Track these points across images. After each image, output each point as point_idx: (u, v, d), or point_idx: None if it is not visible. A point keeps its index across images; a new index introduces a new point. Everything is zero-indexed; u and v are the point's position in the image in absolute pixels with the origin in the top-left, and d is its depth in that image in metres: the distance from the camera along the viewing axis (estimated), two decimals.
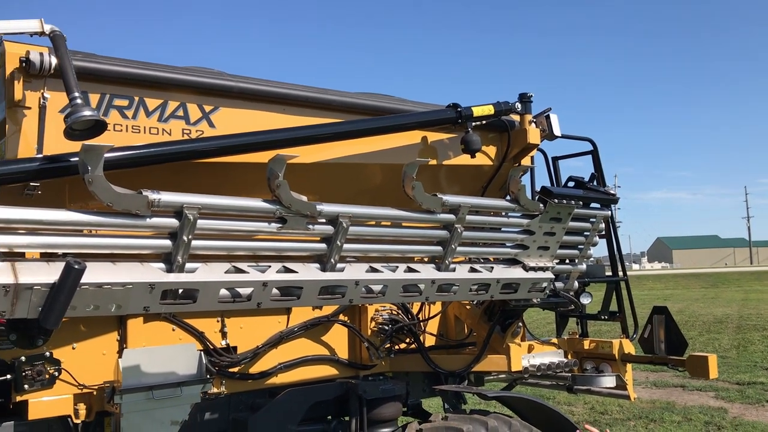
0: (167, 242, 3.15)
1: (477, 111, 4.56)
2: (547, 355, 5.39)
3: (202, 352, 4.08)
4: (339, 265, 3.75)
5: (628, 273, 6.08)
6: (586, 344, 5.80)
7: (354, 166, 4.50)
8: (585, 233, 4.89)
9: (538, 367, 5.18)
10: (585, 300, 5.42)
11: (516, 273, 4.46)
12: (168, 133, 3.74)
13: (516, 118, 5.03)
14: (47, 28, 3.16)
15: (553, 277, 4.70)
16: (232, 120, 3.98)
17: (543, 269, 4.59)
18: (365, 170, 4.64)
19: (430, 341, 5.43)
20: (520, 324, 5.18)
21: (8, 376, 3.60)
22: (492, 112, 4.65)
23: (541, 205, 4.46)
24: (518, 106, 4.84)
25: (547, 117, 5.12)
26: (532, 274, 4.52)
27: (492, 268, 4.38)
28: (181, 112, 3.80)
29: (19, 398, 3.63)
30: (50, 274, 2.80)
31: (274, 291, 3.54)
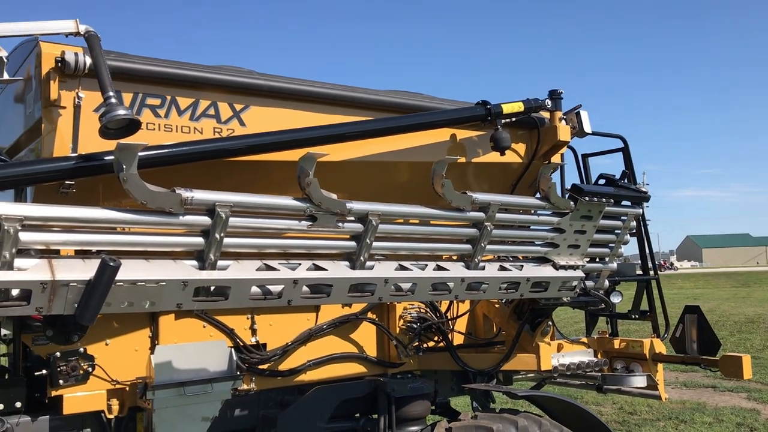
0: (200, 240, 3.18)
1: (507, 108, 4.53)
2: (577, 355, 5.34)
3: (232, 349, 4.11)
4: (368, 263, 3.75)
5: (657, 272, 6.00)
6: (617, 343, 5.73)
7: (381, 164, 4.50)
8: (616, 231, 4.84)
9: (567, 367, 5.14)
10: (615, 299, 5.36)
11: (546, 271, 4.42)
12: (199, 131, 3.78)
13: (546, 115, 5.00)
14: (82, 28, 3.20)
15: (584, 275, 4.65)
16: (262, 118, 4.00)
17: (573, 268, 4.54)
18: (392, 168, 4.63)
19: (458, 340, 5.41)
20: (550, 323, 5.13)
21: (44, 372, 3.66)
22: (522, 109, 4.62)
23: (572, 202, 4.42)
24: (548, 102, 4.80)
25: (578, 114, 5.08)
26: (562, 273, 4.48)
27: (522, 266, 4.35)
28: (212, 111, 3.83)
29: (54, 393, 3.69)
30: (86, 271, 2.85)
31: (305, 288, 3.55)
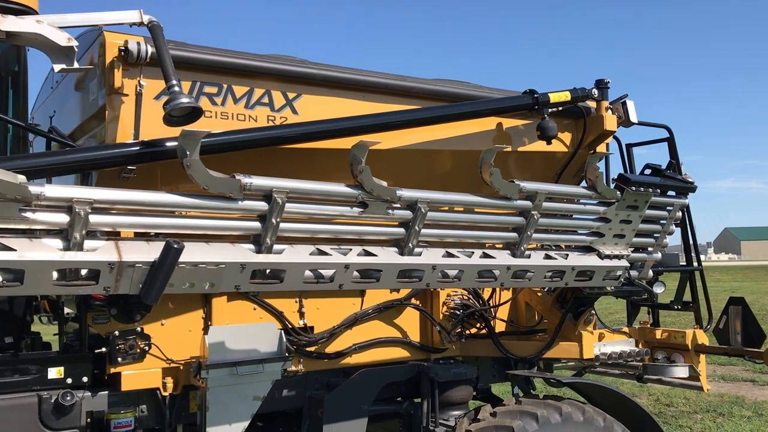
0: (257, 224, 3.28)
1: (554, 97, 4.55)
2: (619, 344, 5.36)
3: (282, 331, 4.23)
4: (416, 250, 3.82)
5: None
6: (658, 334, 5.73)
7: (425, 152, 4.56)
8: (661, 221, 4.83)
9: (609, 356, 5.16)
10: (658, 289, 5.35)
11: (591, 261, 4.45)
12: (254, 119, 3.88)
13: (592, 104, 5.00)
14: (146, 18, 3.31)
15: (629, 265, 4.66)
16: (314, 107, 4.09)
17: (618, 257, 4.56)
18: (437, 156, 4.69)
19: (500, 327, 5.47)
20: (593, 312, 5.16)
21: (103, 350, 3.80)
22: (569, 98, 4.64)
23: (618, 192, 4.43)
24: (595, 92, 4.81)
25: (624, 103, 5.07)
26: (607, 262, 4.50)
27: (567, 255, 4.38)
28: (266, 99, 3.93)
29: (113, 370, 3.83)
30: (150, 252, 2.97)
31: (355, 273, 3.64)
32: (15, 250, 2.71)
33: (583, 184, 4.53)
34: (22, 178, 2.68)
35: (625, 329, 5.78)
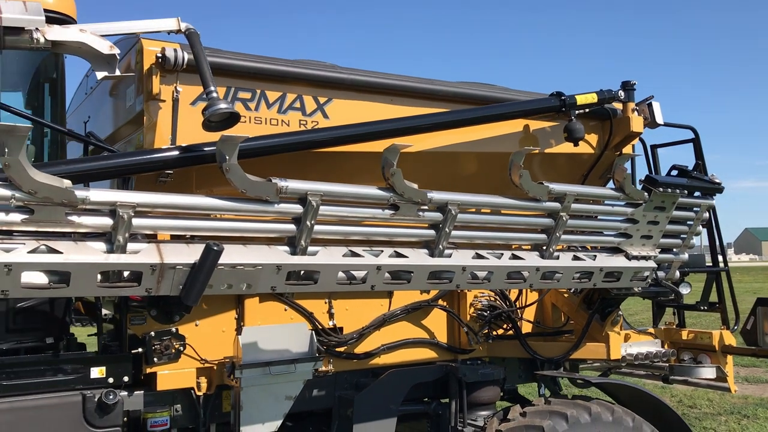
0: (292, 227, 3.35)
1: (581, 99, 4.58)
2: (645, 345, 5.37)
3: (312, 332, 4.29)
4: (446, 251, 3.87)
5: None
6: (684, 335, 5.72)
7: (453, 154, 4.61)
8: (688, 222, 4.85)
9: (635, 356, 5.17)
10: (684, 290, 5.35)
11: (619, 261, 4.47)
12: (286, 123, 3.95)
13: (618, 106, 5.02)
14: (183, 26, 3.39)
15: (656, 266, 4.68)
16: (344, 111, 4.16)
17: (646, 258, 4.58)
18: (464, 158, 4.74)
19: (526, 328, 5.50)
20: (620, 312, 5.17)
21: (140, 350, 3.88)
22: (595, 100, 4.66)
23: (646, 193, 4.45)
24: (621, 94, 4.84)
25: (650, 105, 5.09)
26: (635, 263, 4.52)
27: (595, 256, 4.41)
28: (298, 104, 4.00)
29: (149, 370, 3.92)
30: (191, 254, 3.05)
31: (386, 275, 3.69)
32: (61, 252, 2.80)
33: (611, 185, 4.55)
34: (67, 182, 2.76)
35: (651, 330, 5.78)
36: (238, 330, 4.20)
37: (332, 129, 3.86)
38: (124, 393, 3.72)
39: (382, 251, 3.68)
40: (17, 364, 3.42)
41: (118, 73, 3.14)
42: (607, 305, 5.01)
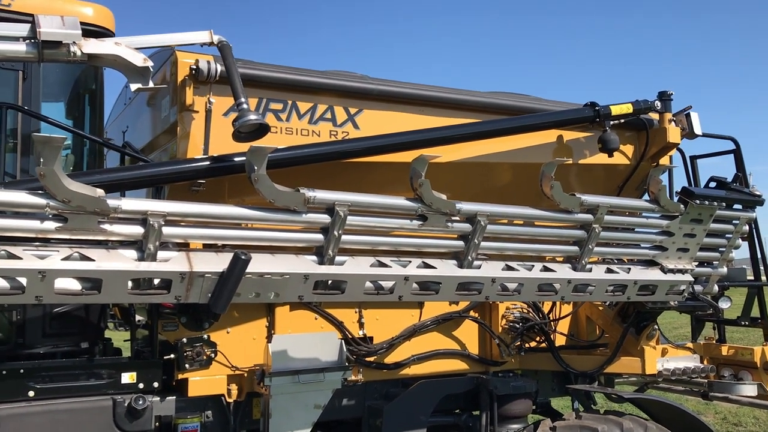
0: (319, 236, 3.38)
1: (615, 110, 4.53)
2: (682, 360, 5.25)
3: (342, 341, 4.31)
4: (475, 263, 3.84)
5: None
6: (724, 350, 5.58)
7: (484, 165, 4.59)
8: (727, 235, 4.74)
9: (672, 372, 5.06)
10: (724, 304, 5.23)
11: (654, 275, 4.39)
12: (317, 134, 3.99)
13: (655, 116, 4.94)
14: (216, 38, 3.45)
15: (693, 279, 4.58)
16: (374, 121, 4.18)
17: (682, 271, 4.49)
18: (495, 169, 4.71)
19: (560, 341, 5.42)
20: (655, 326, 5.07)
21: (172, 356, 3.95)
22: (631, 110, 4.60)
23: (682, 206, 4.37)
24: (658, 104, 4.77)
25: (688, 115, 5.00)
26: (670, 276, 4.43)
27: (629, 269, 4.33)
28: (329, 115, 4.04)
29: (180, 376, 3.97)
30: (219, 263, 3.09)
31: (414, 285, 3.69)
32: (93, 260, 2.87)
33: (646, 197, 4.47)
34: (100, 192, 2.83)
35: (690, 345, 5.65)
36: (269, 338, 4.24)
37: (361, 139, 3.88)
38: (156, 398, 3.78)
39: (410, 262, 3.68)
40: (52, 368, 3.51)
41: (151, 85, 3.21)
42: (643, 319, 4.91)
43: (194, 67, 3.60)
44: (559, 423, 4.26)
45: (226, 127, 3.53)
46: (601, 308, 5.36)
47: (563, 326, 5.47)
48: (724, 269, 4.84)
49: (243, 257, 3.03)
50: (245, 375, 4.18)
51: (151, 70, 3.21)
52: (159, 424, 3.88)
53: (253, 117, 3.19)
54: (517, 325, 5.09)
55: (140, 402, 3.56)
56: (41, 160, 2.66)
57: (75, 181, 2.78)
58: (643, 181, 5.09)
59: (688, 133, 4.99)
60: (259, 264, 3.16)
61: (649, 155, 4.98)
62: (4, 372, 3.38)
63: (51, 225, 2.79)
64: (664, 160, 5.13)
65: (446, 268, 3.75)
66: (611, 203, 4.11)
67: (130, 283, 2.97)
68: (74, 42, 2.99)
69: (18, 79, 3.68)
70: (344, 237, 3.40)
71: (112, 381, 3.61)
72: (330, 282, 3.47)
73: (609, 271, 4.25)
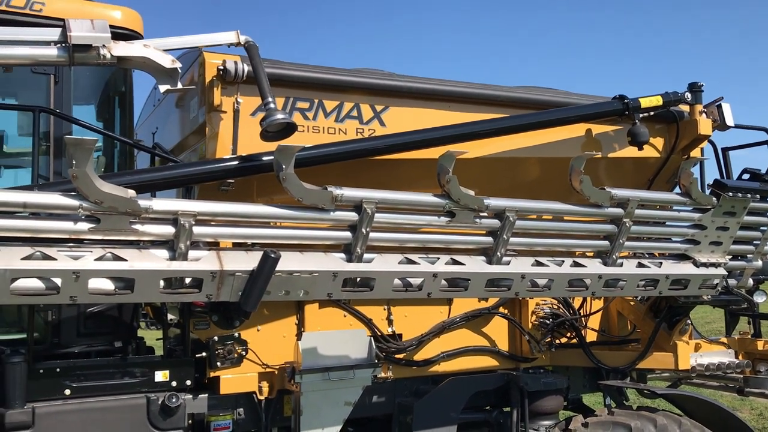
0: (347, 234, 3.39)
1: (645, 102, 4.47)
2: (717, 355, 5.16)
3: (371, 338, 4.31)
4: (504, 259, 3.82)
5: None
6: (760, 345, 5.47)
7: (513, 160, 4.56)
8: (761, 228, 4.65)
9: (706, 367, 4.98)
10: (759, 298, 5.14)
11: (686, 269, 4.33)
12: (344, 132, 4.00)
13: (685, 108, 4.87)
14: (242, 39, 3.47)
15: (726, 273, 4.51)
16: (401, 118, 4.18)
17: (715, 265, 4.42)
18: (524, 164, 4.68)
19: (591, 336, 5.37)
20: (688, 321, 5.00)
21: (203, 354, 3.99)
22: (660, 103, 4.54)
23: (714, 198, 4.30)
24: (688, 96, 4.70)
25: (719, 106, 4.92)
26: (703, 270, 4.37)
27: (660, 263, 4.28)
28: (355, 113, 4.05)
29: (212, 374, 4.02)
30: (249, 262, 3.12)
31: (443, 282, 3.68)
32: (126, 260, 2.91)
33: (677, 190, 4.41)
34: (132, 192, 2.87)
35: (724, 340, 5.56)
36: (299, 335, 4.26)
37: (389, 137, 3.89)
38: (188, 396, 3.82)
39: (439, 258, 3.67)
40: (87, 367, 3.57)
41: (180, 86, 3.24)
42: (675, 313, 4.85)
43: (221, 67, 3.63)
44: (591, 419, 4.23)
45: (254, 127, 3.55)
46: (632, 303, 5.30)
47: (594, 322, 5.42)
48: (759, 262, 4.75)
49: (272, 255, 3.05)
50: (276, 372, 4.21)
51: (180, 71, 3.24)
52: (192, 421, 3.92)
53: (280, 116, 3.21)
54: (548, 321, 5.06)
55: (173, 400, 3.60)
56: (74, 162, 2.70)
57: (107, 183, 2.82)
58: (674, 174, 5.02)
59: (720, 125, 4.90)
60: (288, 262, 3.18)
61: (679, 148, 4.91)
62: (41, 371, 3.44)
63: (84, 226, 2.84)
64: (695, 153, 5.05)
65: (475, 265, 3.74)
66: (642, 197, 4.06)
67: (162, 283, 3.02)
68: (104, 45, 3.03)
69: (50, 83, 3.73)
70: (372, 234, 3.40)
71: (145, 379, 3.66)
72: (358, 279, 3.49)
73: (640, 265, 4.20)
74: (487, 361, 4.99)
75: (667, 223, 4.43)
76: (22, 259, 2.74)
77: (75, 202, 2.78)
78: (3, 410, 3.27)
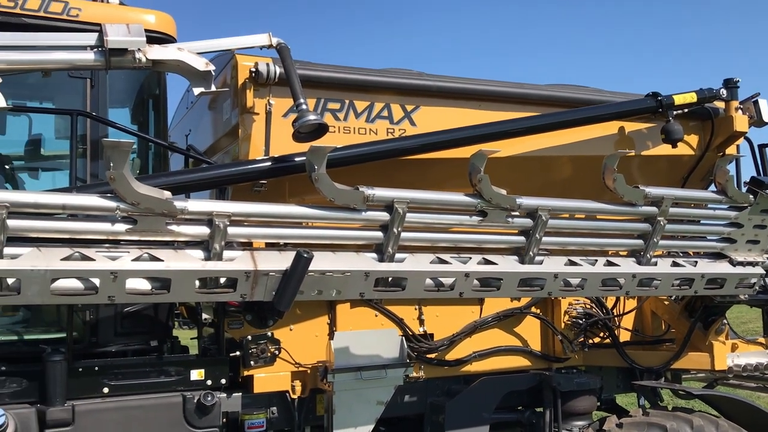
0: (379, 234, 3.40)
1: (679, 99, 4.41)
2: (754, 355, 5.09)
3: (403, 338, 4.32)
4: (537, 258, 3.80)
5: None
6: None
7: (545, 158, 4.53)
8: None
9: (743, 367, 4.92)
10: None
11: (722, 268, 4.26)
12: (374, 132, 4.02)
13: (720, 105, 4.79)
14: (274, 41, 3.50)
15: (764, 272, 4.43)
16: (432, 118, 4.18)
17: (752, 264, 4.35)
18: (557, 162, 4.65)
19: (624, 336, 5.31)
20: (724, 321, 4.92)
21: (237, 353, 4.03)
22: (695, 99, 4.48)
23: (751, 196, 4.23)
24: (723, 92, 4.62)
25: (755, 102, 4.84)
26: (739, 269, 4.30)
27: (696, 262, 4.22)
28: (385, 113, 4.06)
29: (246, 373, 4.06)
30: (282, 261, 3.15)
31: (475, 281, 3.67)
32: (162, 260, 2.95)
33: (712, 188, 4.35)
34: (167, 194, 2.91)
35: (761, 340, 5.47)
36: (331, 335, 4.28)
37: (419, 136, 3.89)
38: (223, 395, 3.86)
39: (471, 258, 3.67)
40: (124, 366, 3.63)
41: (213, 88, 3.28)
42: (711, 313, 4.78)
43: (254, 69, 3.67)
44: (625, 420, 4.18)
45: (285, 128, 3.58)
46: (666, 303, 5.24)
47: (627, 321, 5.36)
48: None
49: (305, 255, 3.07)
50: (308, 371, 4.24)
51: (213, 74, 3.27)
52: (226, 420, 3.96)
53: (312, 117, 3.24)
54: (581, 321, 5.01)
55: (209, 398, 3.65)
56: (111, 164, 2.75)
57: (143, 184, 2.86)
58: (709, 171, 4.95)
59: (757, 121, 4.82)
60: (320, 262, 3.20)
61: (714, 145, 4.84)
62: (80, 369, 3.50)
63: (121, 227, 2.89)
64: (731, 150, 4.97)
65: (507, 264, 3.72)
66: (676, 195, 4.01)
67: (197, 283, 3.05)
68: (139, 49, 3.08)
69: (86, 87, 3.80)
70: (404, 234, 3.41)
71: (181, 378, 3.70)
72: (390, 279, 3.49)
73: (675, 264, 4.14)
74: (520, 361, 4.96)
75: (702, 222, 4.37)
76: (61, 259, 2.79)
77: (112, 204, 2.83)
78: (44, 407, 3.34)
